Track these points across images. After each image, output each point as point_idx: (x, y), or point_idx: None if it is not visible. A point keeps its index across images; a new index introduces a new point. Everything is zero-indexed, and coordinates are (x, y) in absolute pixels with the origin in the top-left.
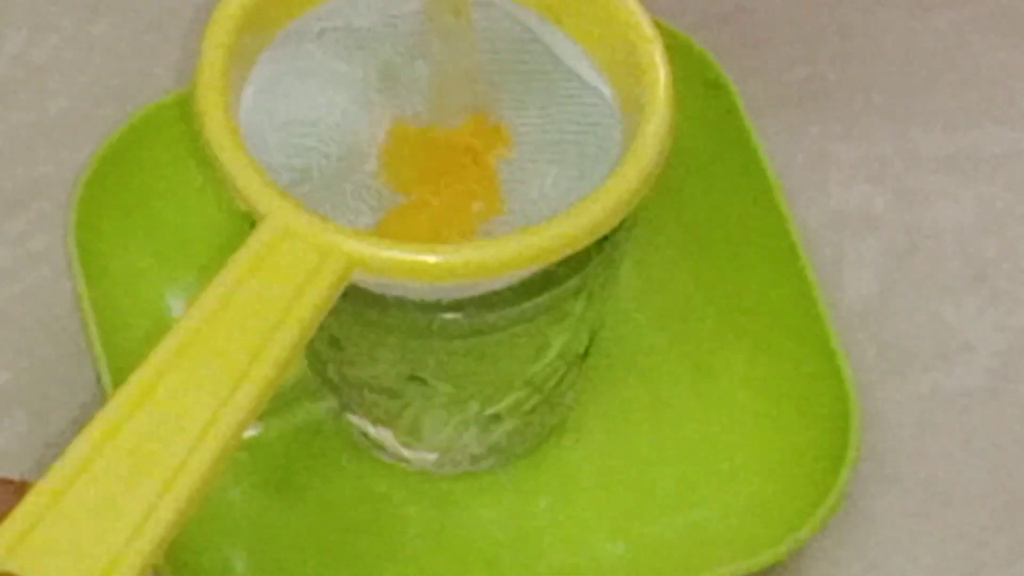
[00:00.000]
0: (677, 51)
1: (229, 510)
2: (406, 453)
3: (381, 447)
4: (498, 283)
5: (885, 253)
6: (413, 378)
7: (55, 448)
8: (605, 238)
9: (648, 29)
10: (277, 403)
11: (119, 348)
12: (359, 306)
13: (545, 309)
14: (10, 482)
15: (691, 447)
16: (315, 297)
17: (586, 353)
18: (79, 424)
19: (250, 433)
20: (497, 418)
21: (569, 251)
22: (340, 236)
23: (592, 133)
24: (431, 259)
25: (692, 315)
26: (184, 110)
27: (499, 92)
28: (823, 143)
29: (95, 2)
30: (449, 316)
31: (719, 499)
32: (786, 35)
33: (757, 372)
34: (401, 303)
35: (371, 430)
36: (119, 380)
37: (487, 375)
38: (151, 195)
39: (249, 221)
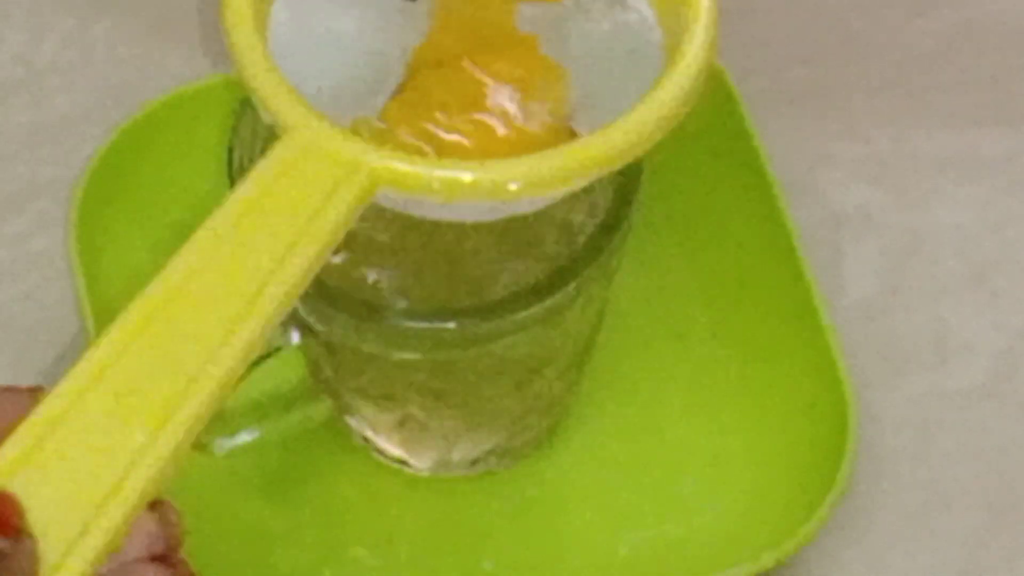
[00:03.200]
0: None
1: (230, 513)
2: (405, 457)
3: (380, 451)
4: (526, 204)
5: (885, 253)
6: (409, 384)
7: None
8: (602, 244)
9: None
10: (277, 406)
11: None
12: (354, 317)
13: (540, 319)
14: (18, 390)
15: (690, 448)
16: (337, 213)
17: (583, 358)
18: None
19: (249, 438)
20: (494, 424)
21: (600, 172)
22: (365, 151)
23: (633, 53)
24: (456, 176)
25: (691, 315)
26: (184, 109)
27: (536, 14)
28: (823, 143)
29: (96, 2)
30: (443, 325)
31: (719, 500)
32: (786, 35)
33: (756, 373)
34: (396, 312)
35: (370, 433)
36: None
37: (484, 382)
38: (151, 195)
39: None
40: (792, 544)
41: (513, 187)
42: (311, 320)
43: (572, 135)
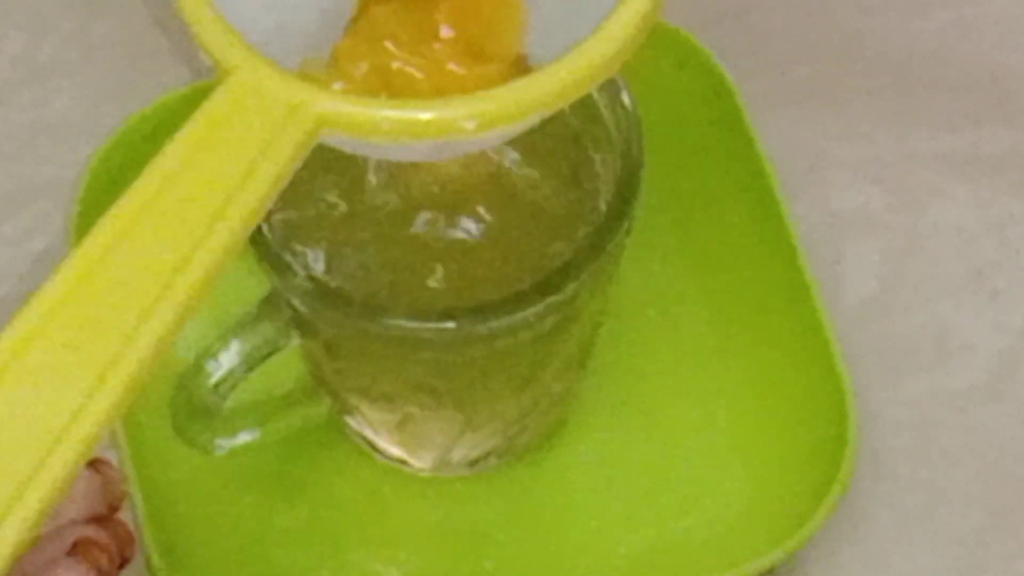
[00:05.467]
0: (678, 51)
1: (229, 514)
2: (405, 457)
3: (380, 451)
4: (476, 144)
5: (885, 253)
6: (409, 385)
7: None
8: (602, 244)
9: None
10: (277, 406)
11: None
12: (352, 317)
13: (540, 319)
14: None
15: (689, 448)
16: (281, 157)
17: (584, 358)
18: None
19: (249, 438)
20: (494, 424)
21: (555, 107)
22: (309, 93)
23: None
24: (403, 115)
25: (691, 316)
26: (184, 110)
27: None
28: (823, 143)
29: (96, 2)
30: (443, 326)
31: (719, 500)
32: (786, 35)
33: (756, 373)
34: (395, 312)
35: (369, 433)
36: None
37: (484, 382)
38: None
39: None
40: (792, 544)
41: (468, 125)
42: (311, 320)
43: (527, 65)
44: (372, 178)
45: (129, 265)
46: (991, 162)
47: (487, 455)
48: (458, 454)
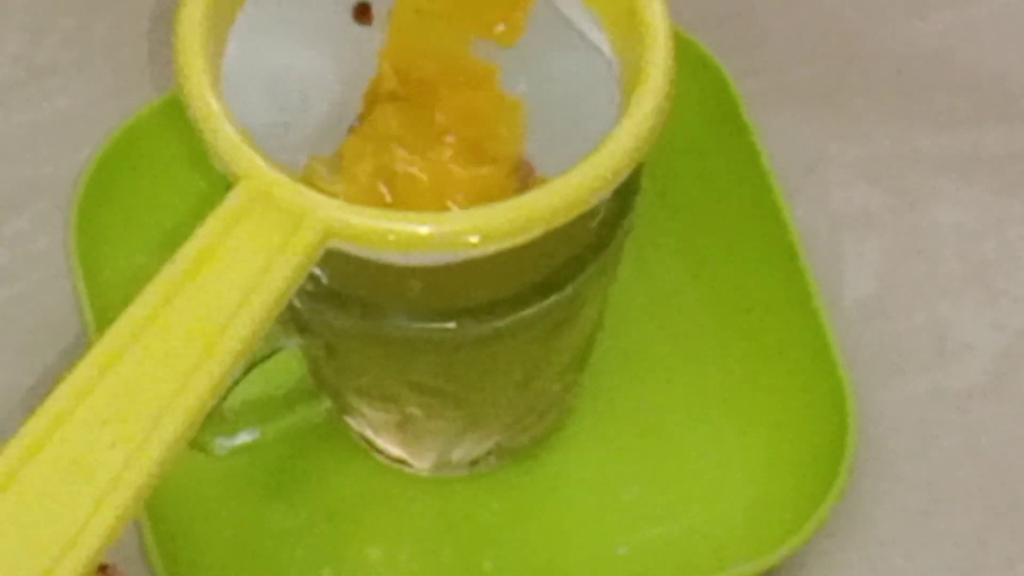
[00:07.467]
0: (678, 51)
1: (229, 514)
2: (405, 457)
3: (380, 451)
4: (483, 252)
5: (885, 253)
6: (409, 385)
7: None
8: (602, 243)
9: None
10: (277, 406)
11: None
12: (352, 317)
13: (540, 318)
14: None
15: (689, 449)
16: (289, 264)
17: (584, 356)
18: None
19: (249, 438)
20: (494, 424)
21: (561, 221)
22: (316, 202)
23: (590, 93)
24: (409, 229)
25: (691, 316)
26: (184, 110)
27: (492, 47)
28: (823, 143)
29: (96, 2)
30: (443, 326)
31: (719, 500)
32: (786, 35)
33: (756, 373)
34: (395, 312)
35: (369, 433)
36: None
37: (484, 382)
38: (151, 195)
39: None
40: (792, 544)
41: (472, 240)
42: (311, 320)
43: (529, 170)
44: None
45: (138, 374)
46: (991, 162)
47: (487, 455)
48: (458, 454)
